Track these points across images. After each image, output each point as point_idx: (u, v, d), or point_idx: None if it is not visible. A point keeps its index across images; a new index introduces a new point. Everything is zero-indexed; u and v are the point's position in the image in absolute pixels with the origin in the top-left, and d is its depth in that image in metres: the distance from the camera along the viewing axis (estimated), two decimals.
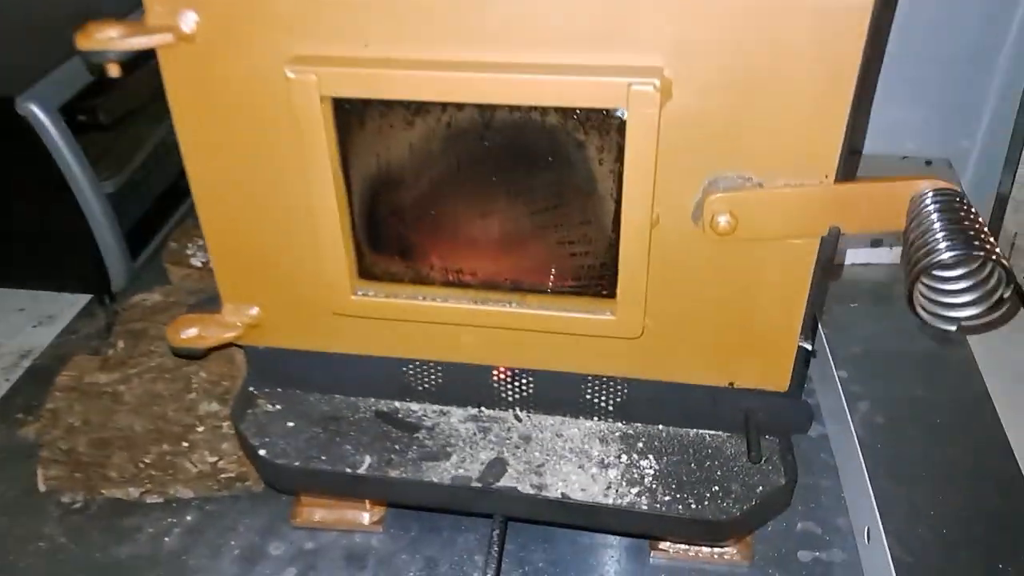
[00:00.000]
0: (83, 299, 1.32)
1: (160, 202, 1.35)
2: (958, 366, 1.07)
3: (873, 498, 0.88)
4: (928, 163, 1.34)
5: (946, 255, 0.58)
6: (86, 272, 1.24)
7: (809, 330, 0.73)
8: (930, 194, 0.64)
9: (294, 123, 0.67)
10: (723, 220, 0.67)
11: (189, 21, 0.65)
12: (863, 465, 0.93)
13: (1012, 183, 1.32)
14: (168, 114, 1.15)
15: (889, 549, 0.83)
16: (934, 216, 0.61)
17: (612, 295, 0.73)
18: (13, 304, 1.33)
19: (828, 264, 0.68)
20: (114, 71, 0.66)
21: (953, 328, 0.60)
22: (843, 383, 1.05)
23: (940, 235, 0.59)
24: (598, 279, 0.73)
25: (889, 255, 1.24)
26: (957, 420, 0.99)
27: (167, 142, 1.43)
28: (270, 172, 0.72)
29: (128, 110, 1.23)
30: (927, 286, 0.59)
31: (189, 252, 1.25)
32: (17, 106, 1.09)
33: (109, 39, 0.63)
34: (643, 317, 0.73)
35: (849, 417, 0.99)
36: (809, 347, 0.74)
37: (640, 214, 0.67)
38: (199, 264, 1.25)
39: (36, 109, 1.10)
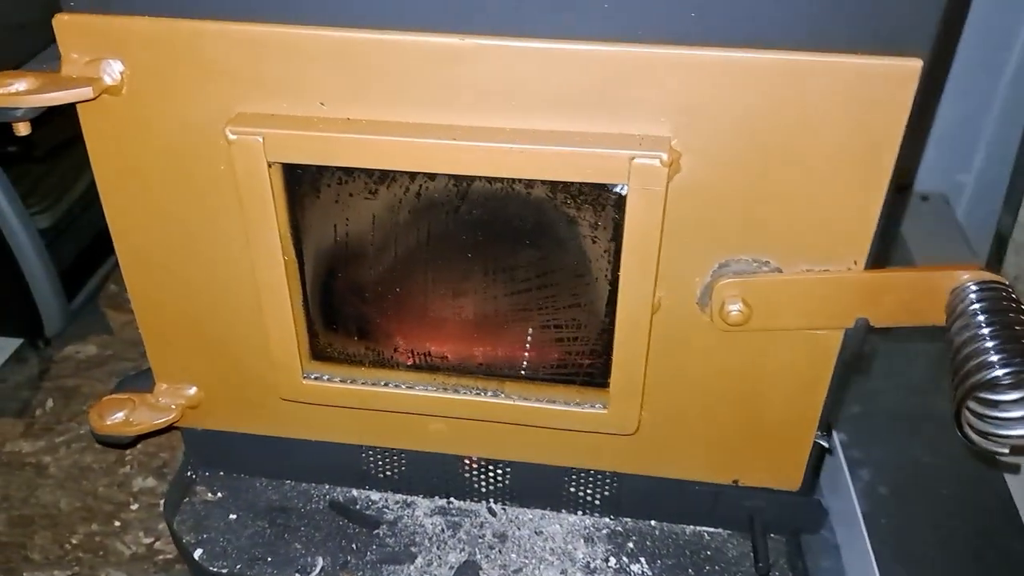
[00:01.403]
0: (12, 343, 1.20)
1: (98, 240, 1.24)
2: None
3: None
4: (924, 198, 1.28)
5: (1000, 371, 0.49)
6: (16, 315, 1.13)
7: (827, 426, 0.64)
8: (973, 288, 0.55)
9: (235, 189, 0.57)
10: (735, 308, 0.57)
11: (113, 71, 0.55)
12: (869, 549, 0.84)
13: (1013, 223, 1.26)
14: None
15: None
16: (981, 318, 0.53)
17: (604, 385, 0.64)
18: None
19: (854, 357, 0.59)
20: (22, 130, 0.55)
21: (1006, 451, 0.52)
22: (843, 448, 0.96)
23: (990, 344, 0.51)
24: (588, 367, 0.64)
25: None
26: (964, 491, 0.91)
27: None
28: (208, 241, 0.61)
29: (65, 138, 1.11)
30: (978, 402, 0.51)
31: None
32: None
33: (16, 94, 0.53)
34: (639, 410, 0.63)
35: (852, 492, 0.91)
36: (825, 444, 0.65)
37: (639, 298, 0.58)
38: None
39: None
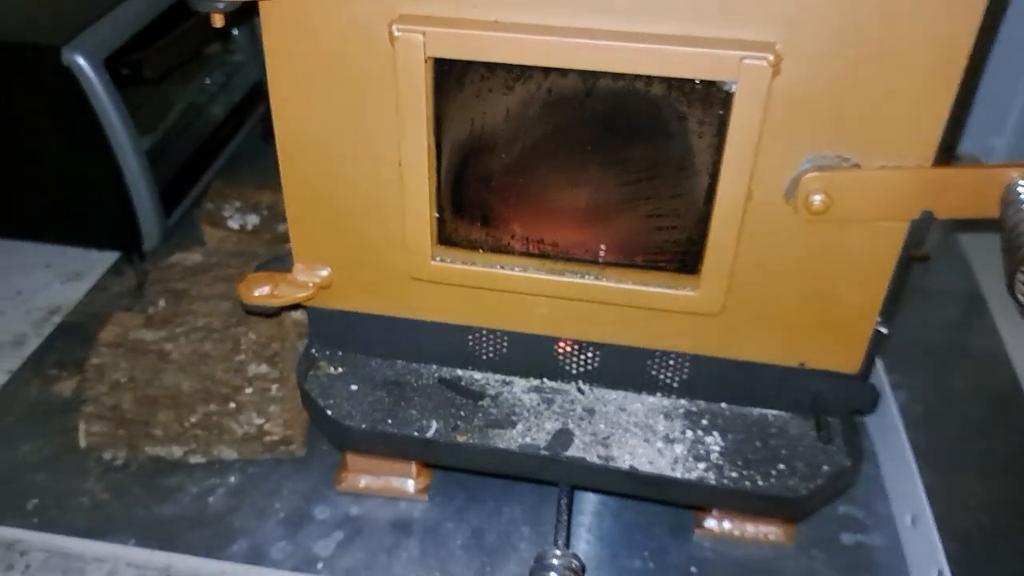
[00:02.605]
0: (111, 257, 1.30)
1: (189, 163, 1.34)
2: (989, 359, 1.09)
3: (921, 485, 0.90)
4: (957, 159, 1.36)
5: None
6: (119, 229, 1.22)
7: (888, 314, 0.74)
8: (1023, 183, 0.65)
9: (394, 82, 0.66)
10: (817, 199, 0.67)
11: None
12: (910, 452, 0.94)
13: None
14: (199, 73, 1.12)
15: (938, 535, 0.85)
16: None
17: (695, 271, 0.73)
18: (39, 259, 1.31)
19: (916, 247, 0.69)
20: (218, 21, 0.64)
21: None
22: (884, 371, 1.06)
23: None
24: (682, 254, 0.73)
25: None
26: (991, 414, 1.01)
27: (197, 102, 1.41)
28: (361, 130, 0.71)
29: (170, 66, 1.21)
30: None
31: (226, 214, 1.24)
32: (62, 56, 1.07)
33: None
34: (725, 294, 0.73)
35: (894, 405, 1.00)
36: (884, 331, 0.75)
37: (737, 189, 0.67)
38: (236, 227, 1.23)
39: (81, 60, 1.08)
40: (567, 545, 0.74)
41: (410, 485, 0.95)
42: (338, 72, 0.68)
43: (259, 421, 0.97)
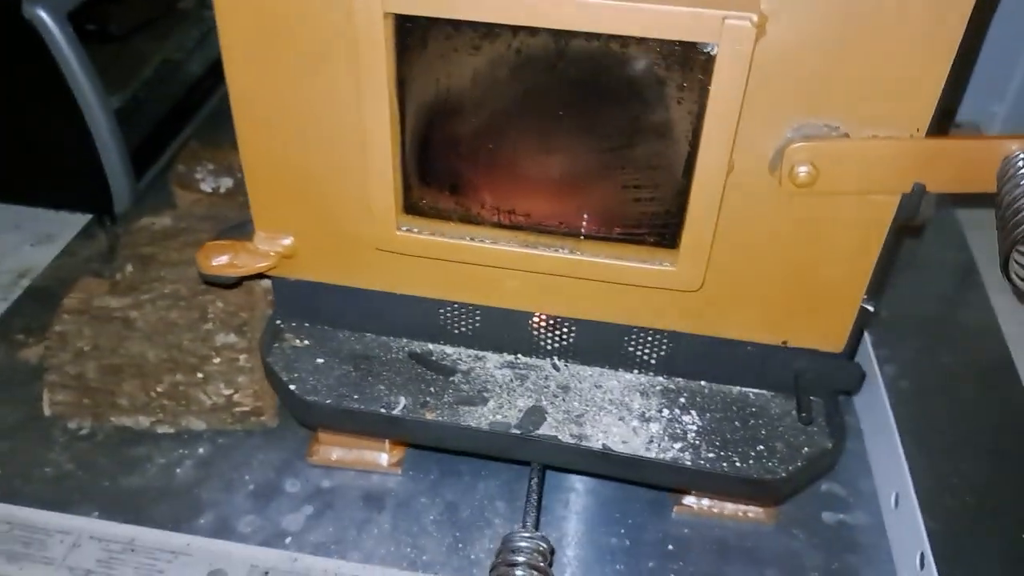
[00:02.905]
0: (82, 219, 1.27)
1: (163, 123, 1.29)
2: (981, 333, 1.06)
3: (905, 463, 0.87)
4: (957, 126, 1.32)
5: None
6: (89, 190, 1.19)
7: (874, 290, 0.70)
8: (1022, 155, 0.61)
9: (352, 38, 0.62)
10: (803, 171, 0.63)
11: None
12: (895, 430, 0.91)
13: None
14: (174, 31, 1.07)
15: (921, 516, 0.82)
16: None
17: (674, 245, 0.70)
18: (8, 221, 1.27)
19: (908, 222, 0.65)
20: None
21: None
22: (872, 346, 1.03)
23: None
24: (661, 227, 0.70)
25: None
26: (981, 388, 0.98)
27: (172, 60, 1.36)
28: (320, 90, 0.67)
29: (138, 22, 1.16)
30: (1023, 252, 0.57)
31: (198, 176, 1.20)
32: (23, 10, 1.02)
33: None
34: (705, 270, 0.69)
35: (880, 381, 0.98)
36: (871, 308, 0.71)
37: (717, 159, 0.63)
38: (208, 189, 1.19)
39: (44, 14, 1.03)
40: (536, 527, 0.71)
41: (383, 458, 0.93)
42: (294, 29, 0.64)
43: (228, 392, 0.94)
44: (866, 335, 1.04)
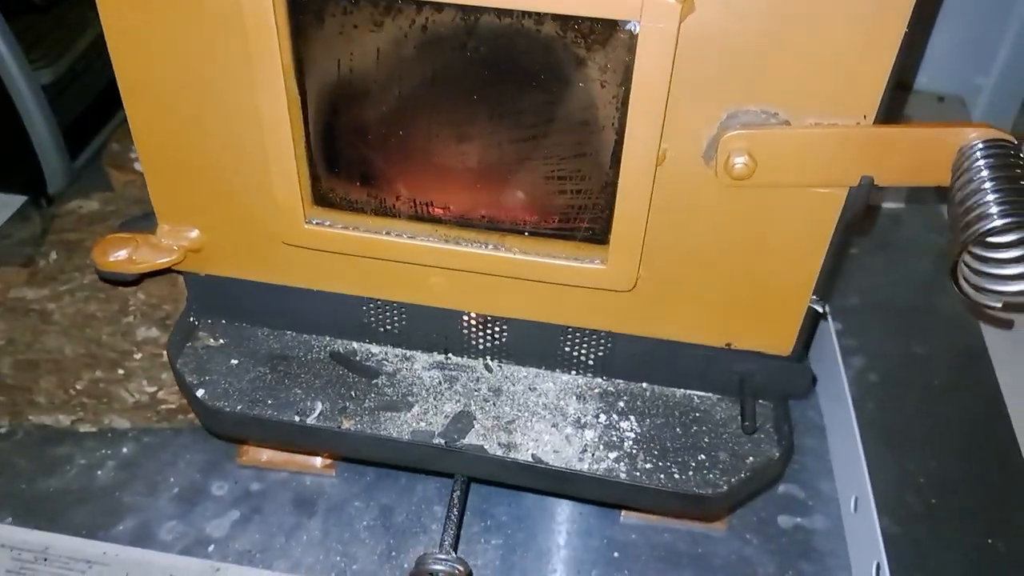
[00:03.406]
0: (17, 201, 1.20)
1: (102, 98, 1.23)
2: (957, 320, 1.00)
3: (865, 467, 0.82)
4: (940, 100, 1.26)
5: (998, 221, 0.49)
6: (19, 170, 1.13)
7: (823, 289, 0.64)
8: (980, 146, 0.55)
9: (240, 18, 0.56)
10: (740, 161, 0.57)
11: None
12: (856, 430, 0.86)
13: None
14: None
15: (879, 523, 0.77)
16: (985, 173, 0.52)
17: (604, 241, 0.64)
18: None
19: (856, 218, 0.59)
20: None
21: (998, 305, 0.52)
22: (838, 336, 0.98)
23: (992, 197, 0.51)
24: (589, 222, 0.64)
25: (892, 197, 1.16)
26: (953, 380, 0.93)
27: None
28: (211, 75, 0.60)
29: None
30: (974, 256, 0.51)
31: (133, 156, 1.13)
32: None
33: None
34: (638, 268, 0.64)
35: (844, 376, 0.92)
36: (820, 309, 0.66)
37: (645, 148, 0.57)
38: (142, 169, 1.12)
39: None
40: (455, 548, 0.66)
41: (317, 460, 0.88)
42: (181, 14, 0.57)
43: (151, 389, 0.89)
44: (831, 323, 0.98)
